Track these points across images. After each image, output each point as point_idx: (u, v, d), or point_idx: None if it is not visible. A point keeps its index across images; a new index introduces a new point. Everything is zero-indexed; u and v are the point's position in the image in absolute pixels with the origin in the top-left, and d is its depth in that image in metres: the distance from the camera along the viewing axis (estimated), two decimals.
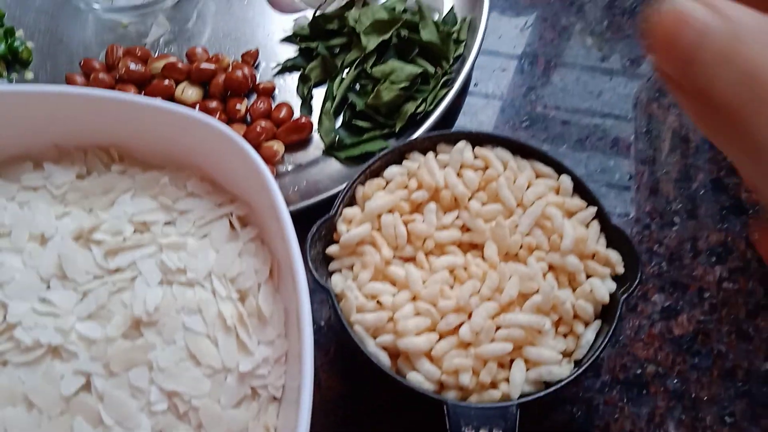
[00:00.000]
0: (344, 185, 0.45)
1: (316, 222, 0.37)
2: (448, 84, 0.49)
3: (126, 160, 0.39)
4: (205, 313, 0.33)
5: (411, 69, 0.48)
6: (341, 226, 0.38)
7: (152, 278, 0.34)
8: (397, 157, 0.41)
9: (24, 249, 0.34)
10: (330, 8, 0.54)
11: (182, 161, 0.38)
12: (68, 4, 0.50)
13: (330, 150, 0.49)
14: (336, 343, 0.43)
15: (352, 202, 0.40)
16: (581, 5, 0.56)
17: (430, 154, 0.40)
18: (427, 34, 0.50)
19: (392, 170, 0.40)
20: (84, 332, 0.32)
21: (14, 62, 0.51)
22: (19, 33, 0.52)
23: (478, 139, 0.41)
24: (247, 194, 0.37)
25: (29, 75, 0.51)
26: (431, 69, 0.49)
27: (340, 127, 0.50)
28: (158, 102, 0.36)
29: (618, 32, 0.57)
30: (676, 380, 0.43)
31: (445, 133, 0.41)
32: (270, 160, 0.47)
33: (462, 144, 0.40)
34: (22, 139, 0.38)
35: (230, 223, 0.37)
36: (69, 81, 0.49)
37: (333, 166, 0.49)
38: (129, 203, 0.36)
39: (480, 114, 0.53)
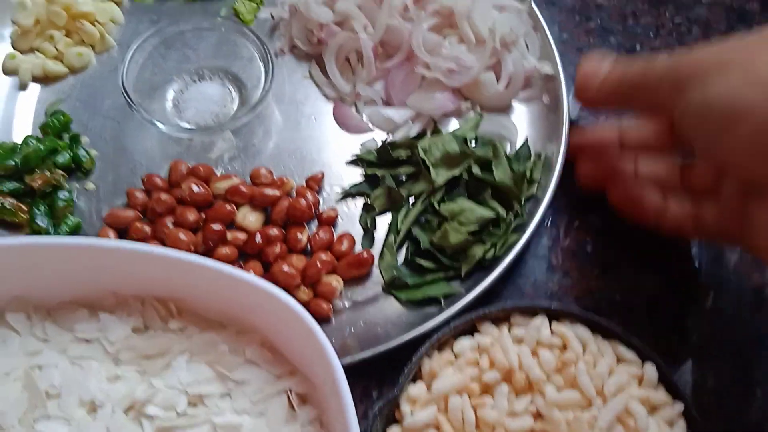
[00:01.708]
0: (405, 338, 0.42)
1: (375, 379, 0.36)
2: (520, 228, 0.46)
3: (184, 314, 0.37)
4: None
5: (482, 212, 0.46)
6: (405, 407, 0.35)
7: None
8: (468, 327, 0.38)
9: (72, 418, 0.33)
10: (399, 133, 0.52)
11: (242, 322, 0.36)
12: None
13: (390, 288, 0.46)
14: None
15: (417, 375, 0.37)
16: None
17: (504, 330, 0.37)
18: (500, 173, 0.48)
19: (463, 344, 0.37)
20: None
21: (76, 170, 0.50)
22: (85, 140, 0.51)
23: (555, 314, 0.38)
24: (307, 366, 0.35)
25: (90, 186, 0.49)
26: (503, 213, 0.47)
27: (401, 264, 0.47)
28: (219, 265, 0.34)
29: None
30: None
31: (521, 306, 0.38)
32: (328, 297, 0.45)
33: (539, 320, 0.37)
34: (79, 285, 0.37)
35: (288, 399, 0.34)
36: (130, 197, 0.48)
37: (392, 306, 0.46)
38: (184, 369, 0.34)
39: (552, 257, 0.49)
